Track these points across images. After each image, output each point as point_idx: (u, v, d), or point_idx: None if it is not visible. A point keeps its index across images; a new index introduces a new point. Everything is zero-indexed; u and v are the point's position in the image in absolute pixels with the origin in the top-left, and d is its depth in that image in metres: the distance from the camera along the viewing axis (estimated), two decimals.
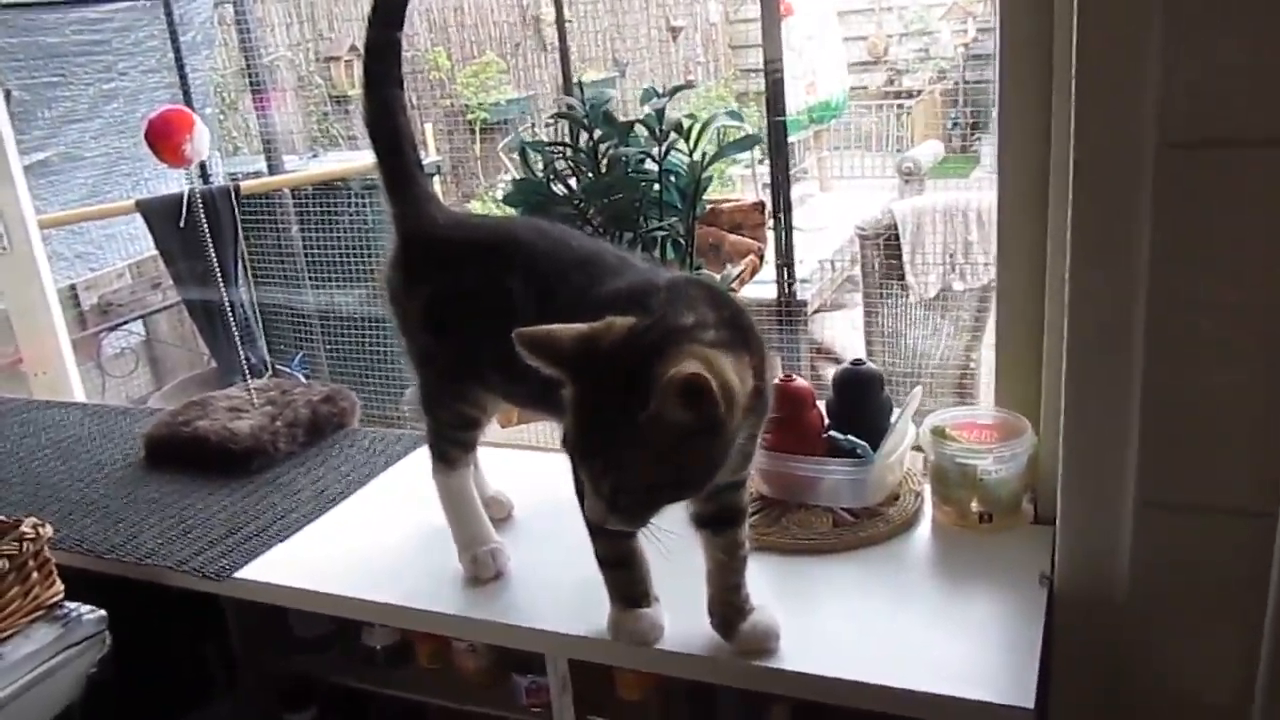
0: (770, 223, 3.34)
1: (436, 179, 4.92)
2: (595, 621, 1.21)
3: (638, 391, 0.91)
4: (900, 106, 8.32)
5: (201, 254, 3.36)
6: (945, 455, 1.31)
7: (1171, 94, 0.96)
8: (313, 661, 1.65)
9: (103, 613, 1.35)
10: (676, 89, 1.36)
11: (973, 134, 8.07)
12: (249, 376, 3.17)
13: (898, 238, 3.77)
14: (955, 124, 8.38)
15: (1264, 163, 0.96)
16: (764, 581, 1.28)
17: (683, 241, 1.41)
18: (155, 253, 4.00)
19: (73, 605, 1.35)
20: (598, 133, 1.41)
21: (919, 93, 8.41)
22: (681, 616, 1.19)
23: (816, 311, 4.37)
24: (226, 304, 3.22)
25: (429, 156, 4.78)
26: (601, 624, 1.20)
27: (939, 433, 1.33)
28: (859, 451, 1.35)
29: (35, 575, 1.33)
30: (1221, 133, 0.97)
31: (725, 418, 0.93)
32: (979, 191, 3.89)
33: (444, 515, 1.38)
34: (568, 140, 1.46)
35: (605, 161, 1.36)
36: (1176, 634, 1.13)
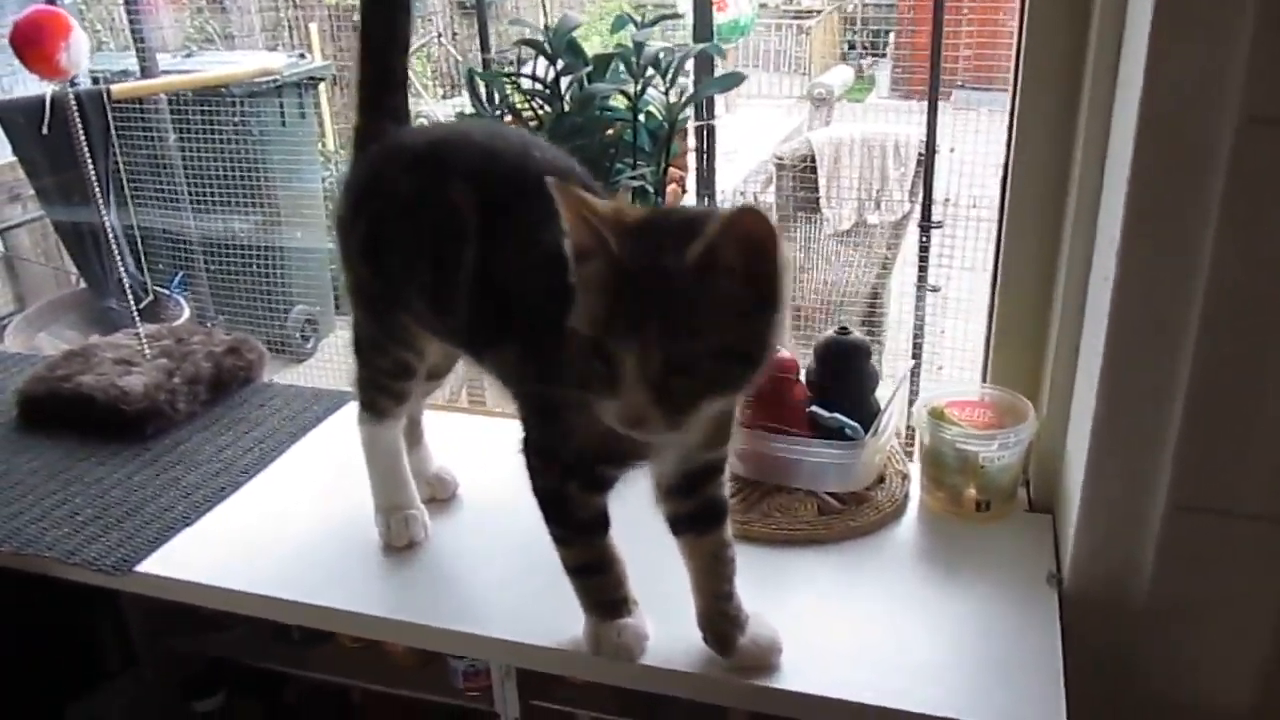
0: (691, 148, 3.20)
1: (323, 87, 4.58)
2: (553, 624, 1.08)
3: (683, 254, 0.79)
4: (799, 27, 8.17)
5: (68, 165, 3.03)
6: (944, 440, 1.20)
7: (1260, 64, 0.84)
8: (219, 641, 1.48)
9: None
10: (662, 17, 1.19)
11: (869, 57, 8.01)
12: (129, 299, 2.90)
13: (814, 168, 3.69)
14: (852, 46, 8.29)
15: None
16: (743, 577, 1.16)
17: (652, 191, 1.25)
18: (11, 160, 3.62)
19: None
20: (560, 64, 1.23)
21: (818, 13, 8.28)
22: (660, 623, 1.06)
23: None
24: (104, 221, 2.93)
25: (314, 60, 4.43)
26: (560, 626, 1.07)
27: (937, 414, 1.22)
28: (848, 431, 1.23)
29: None
30: None
31: (780, 285, 0.81)
32: (902, 125, 3.79)
33: (367, 474, 1.24)
34: (522, 71, 1.27)
35: (570, 99, 1.18)
36: (1195, 639, 1.06)
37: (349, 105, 4.50)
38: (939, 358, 3.12)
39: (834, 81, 4.90)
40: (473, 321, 1.03)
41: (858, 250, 3.81)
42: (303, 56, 4.55)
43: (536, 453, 1.01)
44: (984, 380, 1.31)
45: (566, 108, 1.24)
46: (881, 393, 1.31)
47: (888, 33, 7.66)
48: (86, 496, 1.33)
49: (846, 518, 1.21)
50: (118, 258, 2.64)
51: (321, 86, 4.46)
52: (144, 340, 1.59)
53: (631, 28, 1.20)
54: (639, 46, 1.18)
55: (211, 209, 3.65)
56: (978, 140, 3.44)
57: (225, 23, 5.60)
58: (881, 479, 1.28)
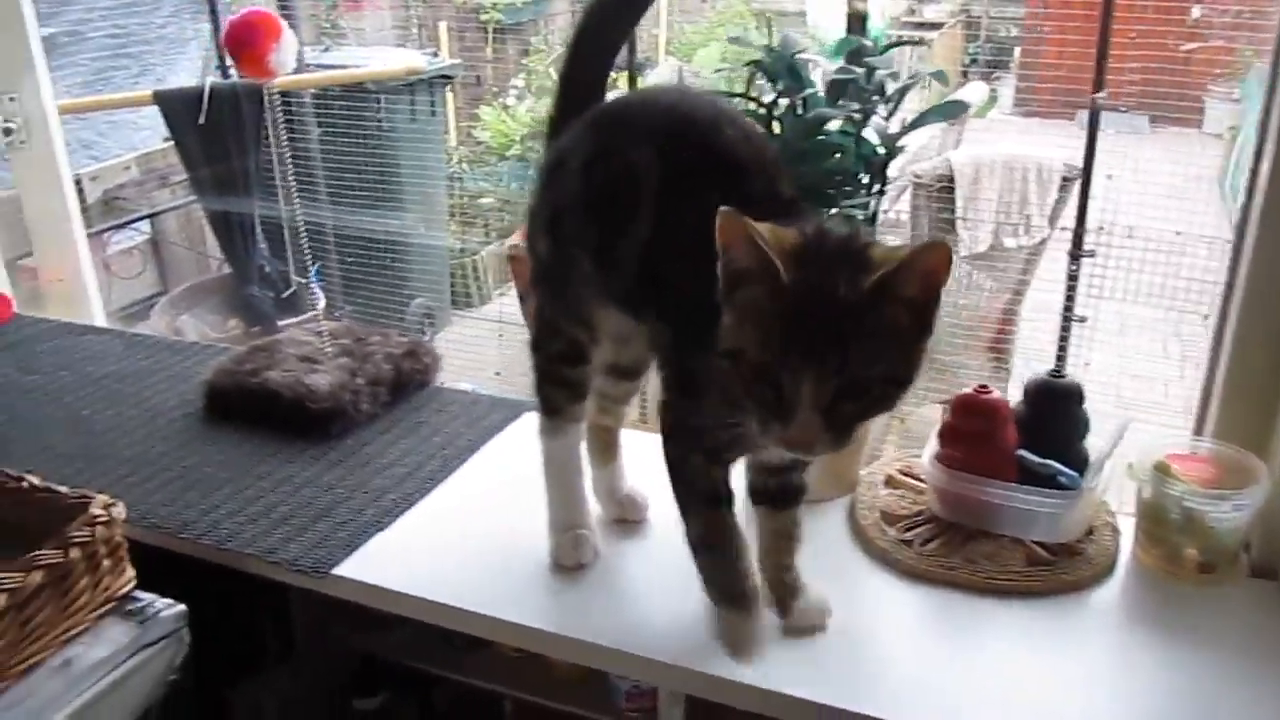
0: None
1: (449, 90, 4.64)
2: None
3: (856, 285, 0.82)
4: (921, 40, 8.04)
5: (221, 154, 3.13)
6: (1168, 495, 1.14)
7: None
8: (378, 640, 1.49)
9: (182, 607, 1.17)
10: (899, 43, 1.15)
11: (992, 72, 7.83)
12: (272, 288, 2.96)
13: (952, 187, 3.61)
14: (974, 61, 8.11)
15: None
16: (939, 622, 1.13)
17: (868, 220, 1.22)
18: (163, 146, 3.74)
19: (146, 597, 1.17)
20: (779, 86, 1.20)
21: (941, 26, 8.12)
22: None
23: None
24: (254, 211, 3.01)
25: (444, 59, 4.47)
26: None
27: (1162, 469, 1.16)
28: (1062, 479, 1.18)
29: (106, 563, 1.14)
30: None
31: (938, 312, 0.85)
32: (1045, 147, 3.69)
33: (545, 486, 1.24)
34: (748, 93, 1.24)
35: (799, 124, 1.16)
36: None
37: (470, 103, 4.54)
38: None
39: (970, 96, 4.78)
40: (635, 285, 1.04)
41: (990, 274, 3.72)
42: (435, 55, 4.62)
43: (672, 419, 1.04)
44: (1199, 433, 1.25)
45: (777, 129, 1.21)
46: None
47: (1012, 48, 7.47)
48: (279, 494, 1.34)
49: (1059, 571, 1.16)
50: (262, 247, 2.71)
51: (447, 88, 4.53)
52: (326, 337, 1.61)
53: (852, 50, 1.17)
54: (869, 72, 1.14)
55: (343, 201, 3.72)
56: (1123, 165, 3.33)
57: (357, 18, 5.71)
58: (1090, 531, 1.22)
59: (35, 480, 1.20)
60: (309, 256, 3.67)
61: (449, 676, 1.49)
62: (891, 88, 1.19)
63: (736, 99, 1.22)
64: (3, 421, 1.53)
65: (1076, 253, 2.91)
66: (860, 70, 1.14)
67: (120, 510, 1.14)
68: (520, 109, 5.80)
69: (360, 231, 3.74)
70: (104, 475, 1.38)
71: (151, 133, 3.85)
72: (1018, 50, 7.15)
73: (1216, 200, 4.15)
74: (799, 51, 1.18)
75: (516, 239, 3.31)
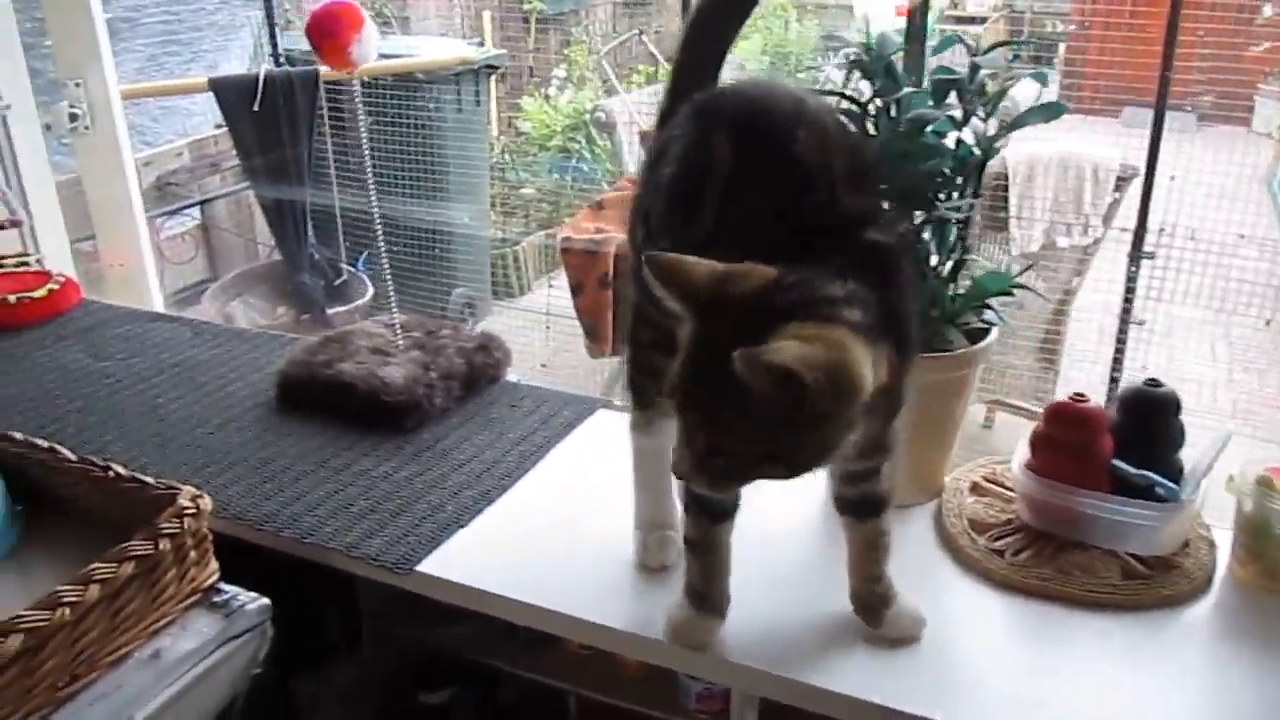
0: None
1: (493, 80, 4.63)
2: (806, 659, 1.07)
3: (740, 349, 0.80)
4: (965, 33, 7.94)
5: (275, 141, 3.13)
6: (1272, 510, 1.11)
7: None
8: (444, 634, 1.48)
9: (266, 601, 1.16)
10: (1003, 43, 1.13)
11: (1035, 68, 7.73)
12: (327, 278, 2.96)
13: (1006, 185, 3.56)
14: (1017, 56, 8.03)
15: None
16: (1041, 640, 1.11)
17: (963, 223, 1.19)
18: (214, 133, 3.75)
19: (230, 589, 1.17)
20: (876, 85, 1.18)
21: (984, 20, 8.04)
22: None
23: None
24: (306, 199, 3.01)
25: (488, 50, 4.47)
26: (813, 663, 1.07)
27: (1266, 483, 1.13)
28: (1159, 490, 1.16)
29: (192, 555, 1.14)
30: None
31: (832, 410, 0.82)
32: (1102, 146, 3.64)
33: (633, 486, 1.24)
34: (845, 91, 1.22)
35: (905, 125, 1.13)
36: None
37: (510, 94, 4.54)
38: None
39: (1021, 95, 4.73)
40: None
41: (1041, 274, 3.67)
42: (481, 44, 4.61)
43: None
44: None
45: (871, 130, 1.19)
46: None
47: (1057, 44, 7.38)
48: (357, 488, 1.34)
49: (1157, 585, 1.14)
50: (311, 235, 2.70)
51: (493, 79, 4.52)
52: (397, 330, 1.60)
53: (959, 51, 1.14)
54: (974, 71, 1.12)
55: (388, 190, 3.72)
56: (1174, 165, 3.28)
57: (402, 7, 5.71)
58: (1185, 544, 1.19)
59: (121, 469, 1.19)
60: (357, 245, 3.69)
61: (515, 673, 1.48)
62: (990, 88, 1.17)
63: (832, 97, 1.19)
64: (78, 408, 1.53)
65: (1137, 254, 2.87)
66: (963, 71, 1.12)
67: (207, 502, 1.14)
68: (561, 99, 5.79)
69: (406, 220, 3.75)
70: (182, 465, 1.38)
71: (203, 119, 3.87)
72: (1062, 46, 7.06)
73: (1266, 201, 4.09)
74: (898, 51, 1.15)
75: (567, 231, 3.29)
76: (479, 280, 4.26)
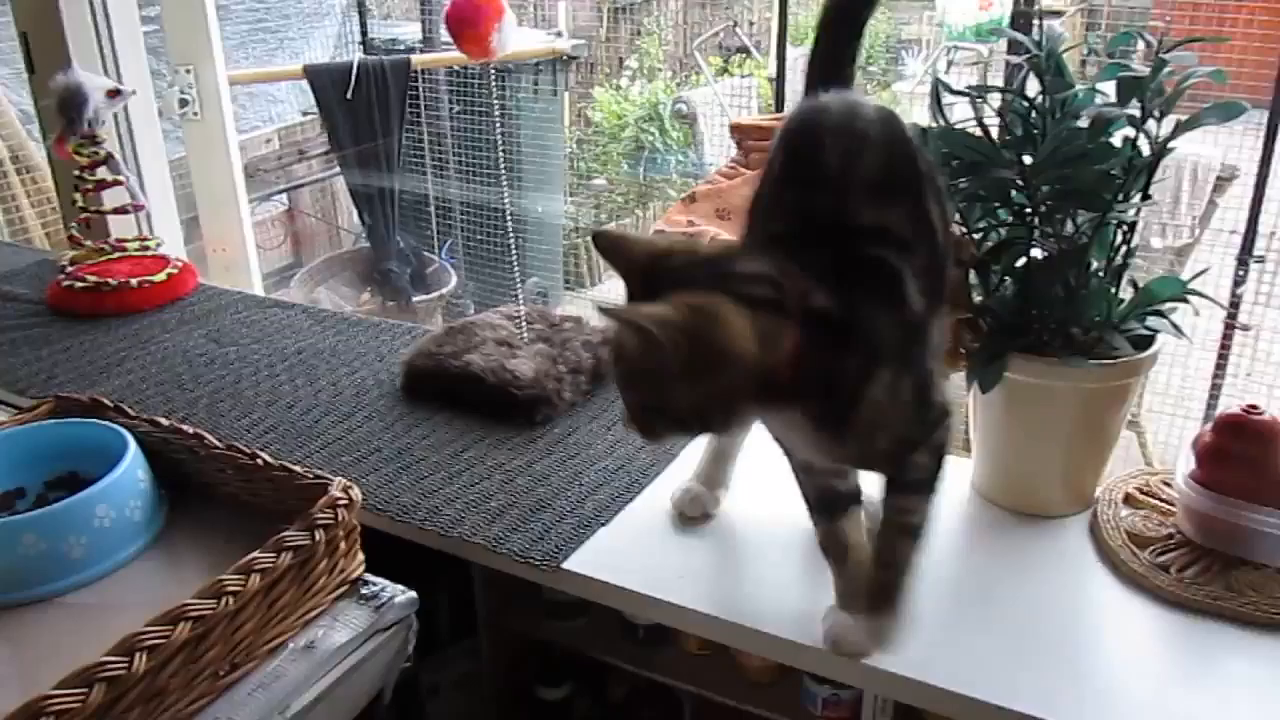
0: None
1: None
2: (945, 665, 1.04)
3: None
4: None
5: (367, 129, 3.14)
6: None
7: None
8: (558, 628, 1.47)
9: (413, 594, 1.15)
10: (1188, 39, 1.09)
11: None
12: (412, 266, 2.96)
13: None
14: (1092, 51, 7.87)
15: None
16: (1211, 659, 1.07)
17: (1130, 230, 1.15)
18: (301, 120, 3.78)
19: (378, 581, 1.16)
20: (1045, 83, 1.14)
21: (1061, 14, 7.89)
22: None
23: None
24: (395, 186, 3.01)
25: (566, 40, 4.45)
26: (954, 670, 1.03)
27: None
28: None
29: (342, 546, 1.13)
30: None
31: (700, 369, 0.84)
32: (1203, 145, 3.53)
33: None
34: (989, 85, 1.19)
35: (1067, 123, 1.10)
36: None
37: (581, 84, 4.51)
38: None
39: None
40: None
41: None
42: (559, 35, 4.60)
43: None
44: None
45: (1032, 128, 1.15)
46: None
47: (1133, 39, 7.20)
48: (494, 482, 1.33)
49: None
50: (397, 223, 2.70)
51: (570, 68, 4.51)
52: (522, 322, 1.59)
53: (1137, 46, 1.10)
54: (1159, 66, 1.08)
55: (469, 179, 3.73)
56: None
57: None
58: None
59: (268, 458, 1.19)
60: (441, 233, 3.70)
61: (631, 670, 1.46)
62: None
63: (1004, 94, 1.16)
64: (207, 394, 1.54)
65: (1245, 257, 2.79)
66: (1145, 70, 1.08)
67: (357, 493, 1.13)
68: (633, 90, 5.77)
69: (480, 208, 3.76)
70: (317, 454, 1.38)
71: (288, 105, 3.90)
72: (1140, 44, 6.89)
73: None
74: (1068, 48, 1.11)
75: (660, 224, 3.27)
76: (552, 270, 4.27)
